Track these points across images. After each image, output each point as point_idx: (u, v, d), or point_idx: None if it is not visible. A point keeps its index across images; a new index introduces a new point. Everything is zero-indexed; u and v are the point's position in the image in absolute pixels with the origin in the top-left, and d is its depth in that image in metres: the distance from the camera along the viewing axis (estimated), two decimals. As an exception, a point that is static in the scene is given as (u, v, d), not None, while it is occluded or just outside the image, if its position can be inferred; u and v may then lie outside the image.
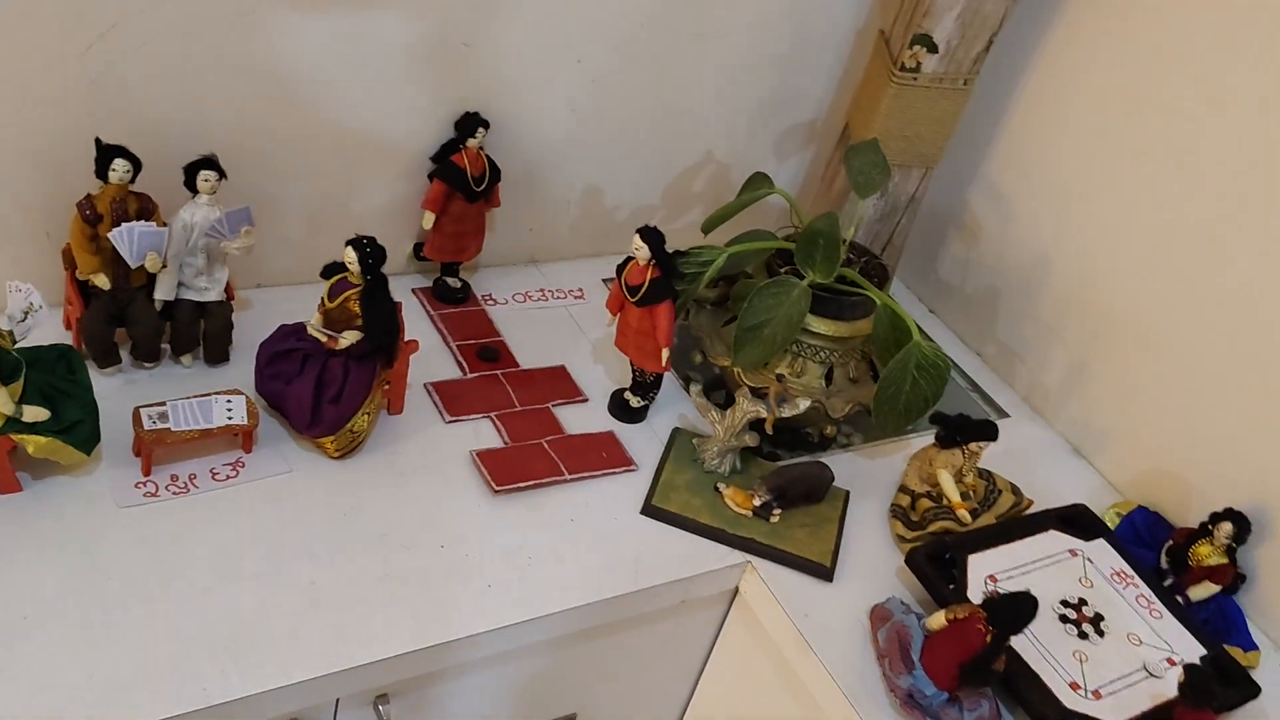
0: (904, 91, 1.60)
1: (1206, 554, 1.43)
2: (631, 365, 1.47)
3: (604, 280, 1.76)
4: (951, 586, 1.33)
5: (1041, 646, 1.31)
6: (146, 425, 1.21)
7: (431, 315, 1.57)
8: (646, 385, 1.48)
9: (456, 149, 1.50)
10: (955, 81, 1.61)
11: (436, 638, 1.16)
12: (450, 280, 1.61)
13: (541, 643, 1.28)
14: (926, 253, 1.90)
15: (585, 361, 1.58)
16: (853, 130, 1.71)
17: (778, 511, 1.38)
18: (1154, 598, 1.42)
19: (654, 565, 1.31)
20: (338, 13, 1.35)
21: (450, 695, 1.29)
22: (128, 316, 1.30)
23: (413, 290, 1.60)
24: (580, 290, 1.72)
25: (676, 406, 1.54)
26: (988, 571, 1.37)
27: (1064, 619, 1.35)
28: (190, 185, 1.28)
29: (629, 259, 1.39)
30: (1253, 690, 1.33)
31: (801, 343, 1.45)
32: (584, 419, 1.48)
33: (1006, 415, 1.75)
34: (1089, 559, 1.44)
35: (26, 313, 1.13)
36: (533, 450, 1.40)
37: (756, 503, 1.38)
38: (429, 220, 1.52)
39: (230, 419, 1.25)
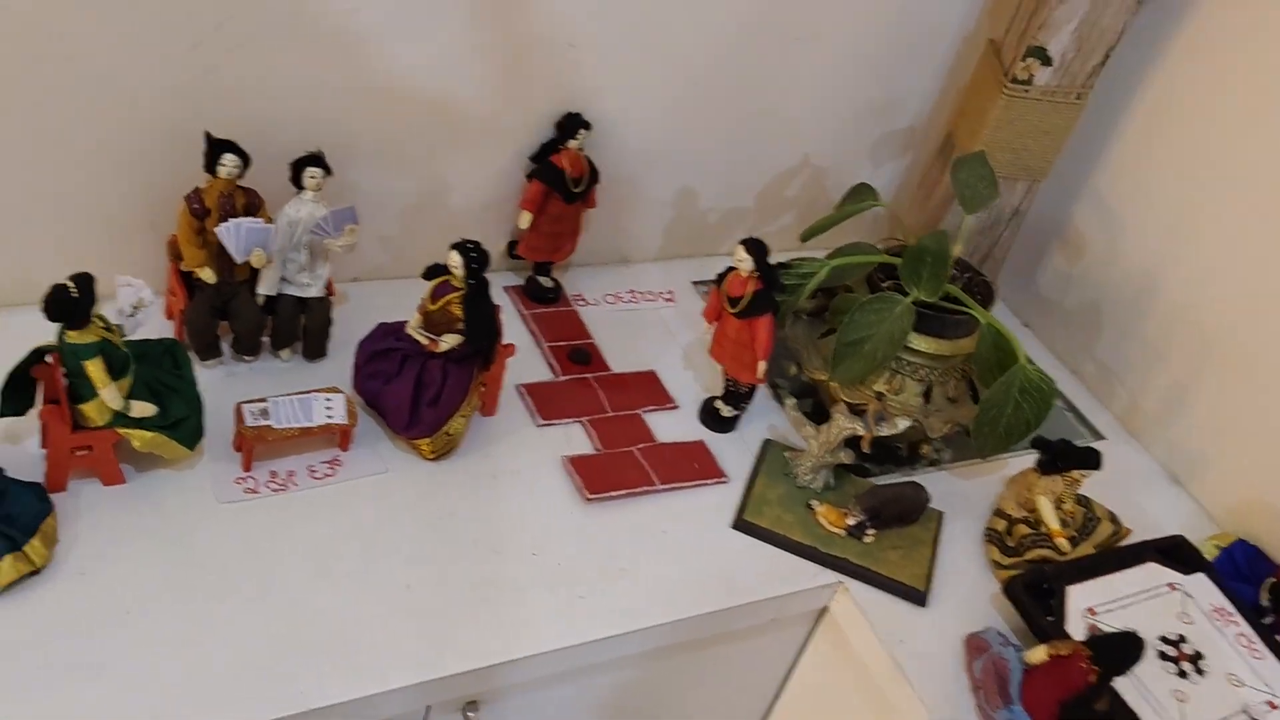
0: (1014, 103, 1.56)
1: (1311, 594, 1.39)
2: (724, 374, 1.45)
3: (694, 283, 1.74)
4: (1050, 618, 1.30)
5: (1140, 685, 1.27)
6: (248, 422, 1.22)
7: (523, 315, 1.56)
8: (739, 395, 1.46)
9: (556, 149, 1.48)
10: (1068, 95, 1.56)
11: (529, 649, 1.15)
12: (543, 279, 1.60)
13: (630, 655, 1.27)
14: (1025, 265, 1.85)
15: (675, 367, 1.56)
16: (956, 139, 1.67)
17: (871, 532, 1.36)
18: (1255, 637, 1.38)
19: (746, 582, 1.30)
20: (445, 12, 1.33)
21: (537, 703, 1.28)
22: (231, 310, 1.31)
23: (505, 288, 1.59)
24: (670, 292, 1.70)
25: (766, 417, 1.52)
26: (1087, 604, 1.33)
27: (1163, 656, 1.31)
28: (296, 181, 1.28)
29: (730, 268, 1.36)
30: (1359, 740, 1.29)
31: (901, 360, 1.42)
32: (674, 427, 1.47)
33: (1102, 437, 1.70)
34: (1188, 594, 1.40)
35: (136, 307, 1.14)
36: (624, 458, 1.38)
37: (850, 522, 1.36)
38: (526, 220, 1.51)
39: (330, 418, 1.25)
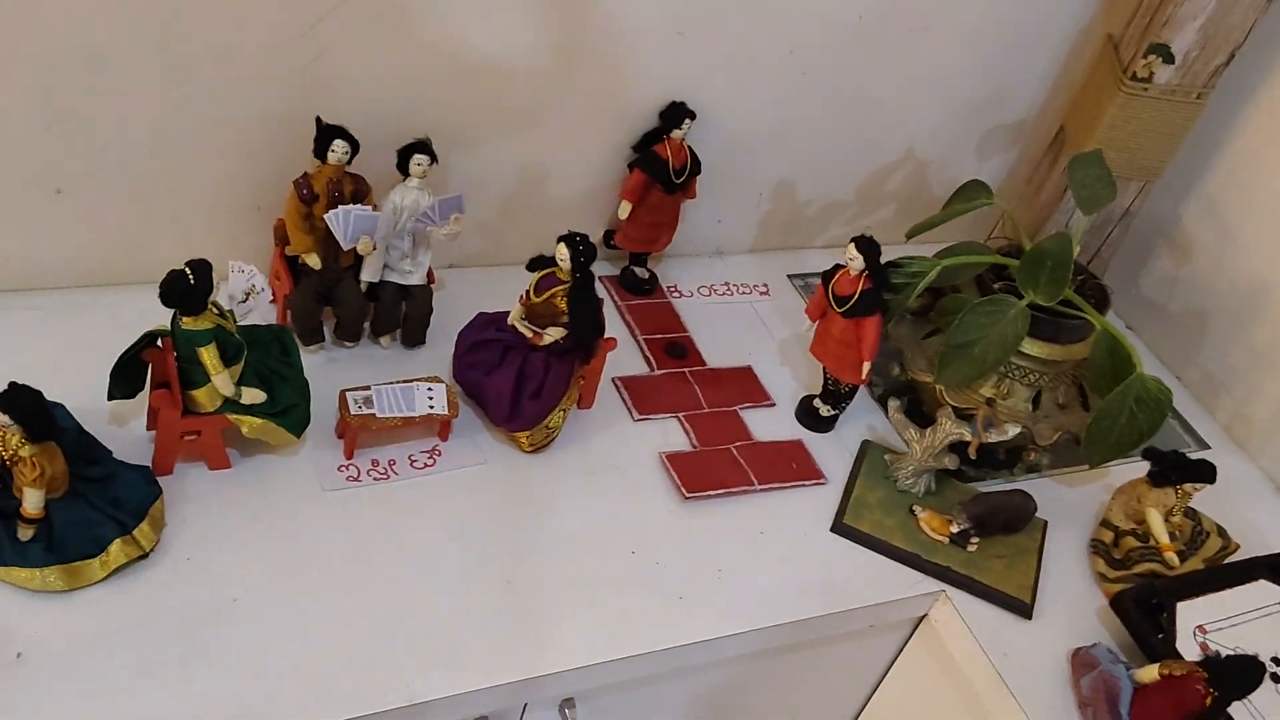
0: (1132, 102, 1.50)
1: None
2: (825, 372, 1.42)
3: (790, 276, 1.71)
4: (1160, 635, 1.26)
5: (1252, 707, 1.23)
6: (352, 410, 1.21)
7: (619, 306, 1.55)
8: (839, 395, 1.43)
9: (659, 139, 1.46)
10: (1189, 94, 1.50)
11: (628, 649, 1.14)
12: (639, 270, 1.58)
13: (725, 657, 1.26)
14: (1129, 267, 1.80)
15: (771, 363, 1.54)
16: (1069, 136, 1.62)
17: (975, 540, 1.33)
18: (1370, 661, 1.33)
19: (846, 587, 1.27)
20: (556, -4, 1.32)
21: (632, 702, 1.27)
22: (335, 296, 1.30)
23: (600, 278, 1.58)
24: (765, 286, 1.67)
25: (865, 418, 1.49)
26: (1197, 622, 1.29)
27: (1275, 678, 1.27)
28: (403, 168, 1.27)
29: (837, 266, 1.33)
30: None
31: (1010, 364, 1.38)
32: (771, 425, 1.44)
33: (1206, 446, 1.65)
34: (1301, 614, 1.36)
35: (248, 294, 1.14)
36: (722, 456, 1.36)
37: (954, 529, 1.33)
38: (625, 210, 1.49)
39: (432, 408, 1.25)
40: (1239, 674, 1.11)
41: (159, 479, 1.12)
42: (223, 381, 1.10)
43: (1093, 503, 1.47)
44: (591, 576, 1.19)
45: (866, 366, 1.34)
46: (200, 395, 1.11)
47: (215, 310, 1.09)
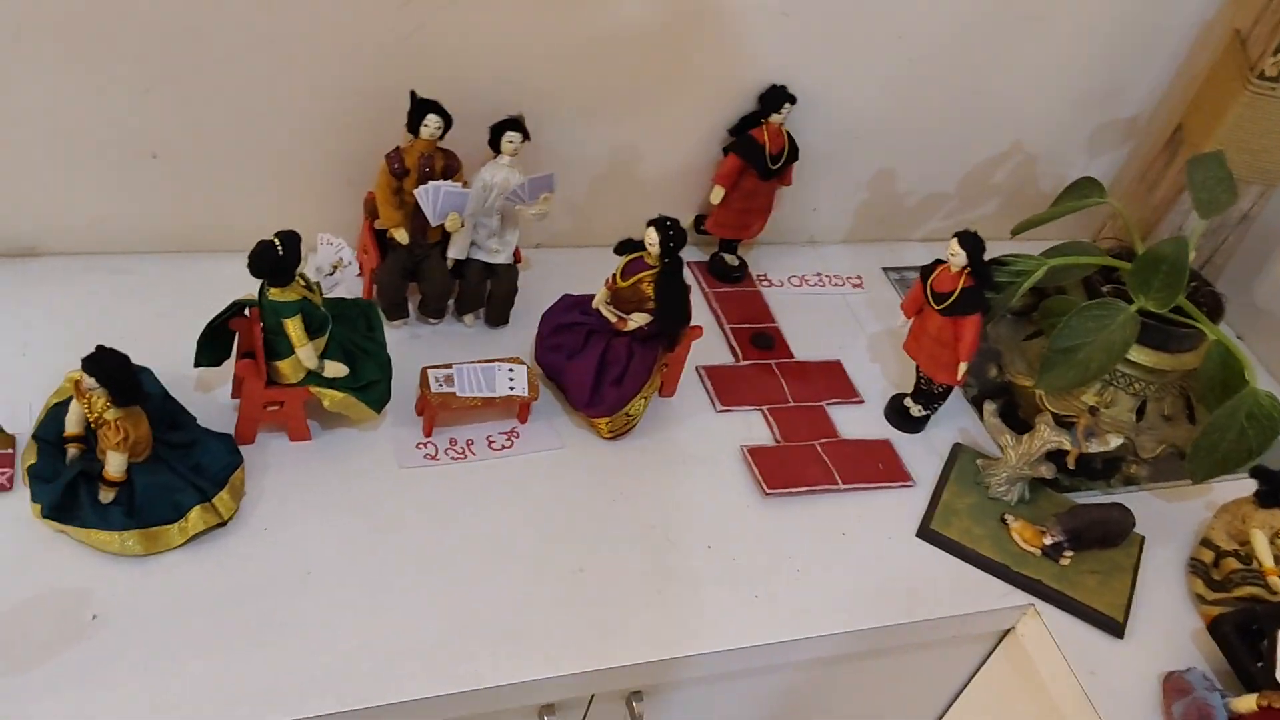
0: (1258, 101, 1.42)
1: None
2: (918, 371, 1.37)
3: (884, 269, 1.66)
4: (1259, 664, 1.20)
5: (1359, 747, 1.16)
6: (433, 388, 1.20)
7: (706, 293, 1.51)
8: (932, 395, 1.38)
9: (757, 123, 1.42)
10: (1323, 94, 1.42)
11: (701, 646, 1.11)
12: (728, 257, 1.54)
13: (801, 660, 1.22)
14: (1245, 274, 1.71)
15: (861, 358, 1.49)
16: (1187, 135, 1.54)
17: (1069, 553, 1.27)
18: None
19: (929, 595, 1.23)
20: (656, -27, 1.29)
21: (702, 699, 1.24)
22: (421, 272, 1.29)
23: (688, 264, 1.54)
24: (859, 278, 1.63)
25: (957, 420, 1.44)
26: (1302, 653, 1.22)
27: (1385, 717, 1.20)
28: (494, 145, 1.25)
29: (938, 261, 1.28)
30: None
31: (1116, 371, 1.32)
32: (858, 422, 1.40)
33: (1319, 467, 1.57)
34: None
35: (335, 267, 1.13)
36: (806, 452, 1.32)
37: (1047, 541, 1.27)
38: (718, 195, 1.45)
39: (512, 390, 1.23)
40: (1348, 713, 1.05)
41: (240, 448, 1.12)
42: (306, 354, 1.10)
43: (1193, 520, 1.40)
44: (666, 569, 1.17)
45: (963, 367, 1.29)
46: (284, 366, 1.11)
47: (302, 282, 1.09)
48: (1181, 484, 1.45)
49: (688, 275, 1.49)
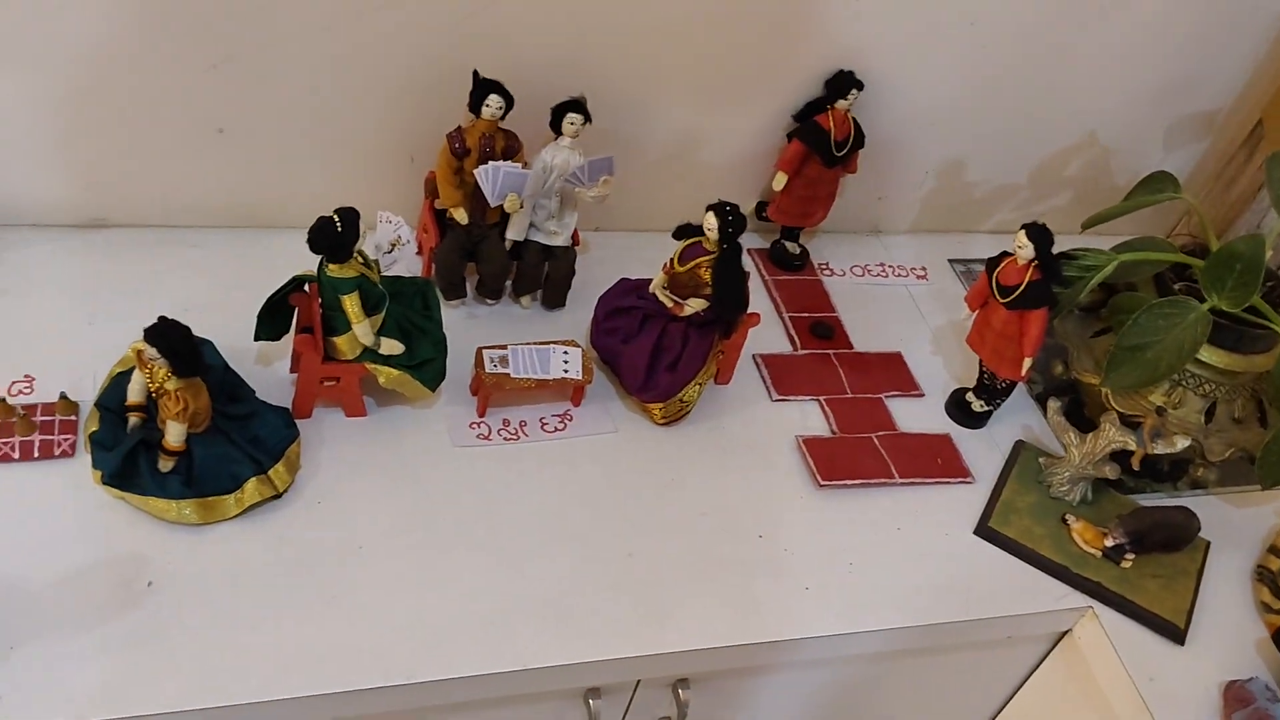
0: (1347, 93, 1.37)
1: None
2: (981, 366, 1.34)
3: (951, 261, 1.62)
4: (1329, 678, 1.16)
5: None
6: (488, 368, 1.20)
7: (766, 281, 1.50)
8: (994, 390, 1.35)
9: (823, 109, 1.40)
10: None
11: (749, 636, 1.10)
12: (789, 245, 1.52)
13: (850, 655, 1.21)
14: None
15: (923, 351, 1.47)
16: (1267, 130, 1.49)
17: (1130, 556, 1.24)
18: None
19: (986, 594, 1.20)
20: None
21: (749, 689, 1.24)
22: (479, 253, 1.29)
23: (748, 251, 1.53)
24: (923, 269, 1.60)
25: (1020, 416, 1.41)
26: (1374, 668, 1.18)
27: None
28: (555, 126, 1.25)
29: (1004, 253, 1.25)
30: None
31: (1186, 371, 1.28)
32: (918, 416, 1.37)
33: (1400, 476, 1.51)
34: None
35: (394, 245, 1.14)
36: (862, 445, 1.30)
37: (1108, 543, 1.24)
38: (780, 182, 1.43)
39: (566, 372, 1.23)
40: None
41: (297, 422, 1.13)
42: (363, 330, 1.10)
43: (1261, 527, 1.36)
44: (716, 557, 1.16)
45: (1027, 363, 1.26)
46: (341, 342, 1.12)
47: (360, 259, 1.09)
48: (1250, 489, 1.41)
49: (747, 262, 1.48)
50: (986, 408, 1.37)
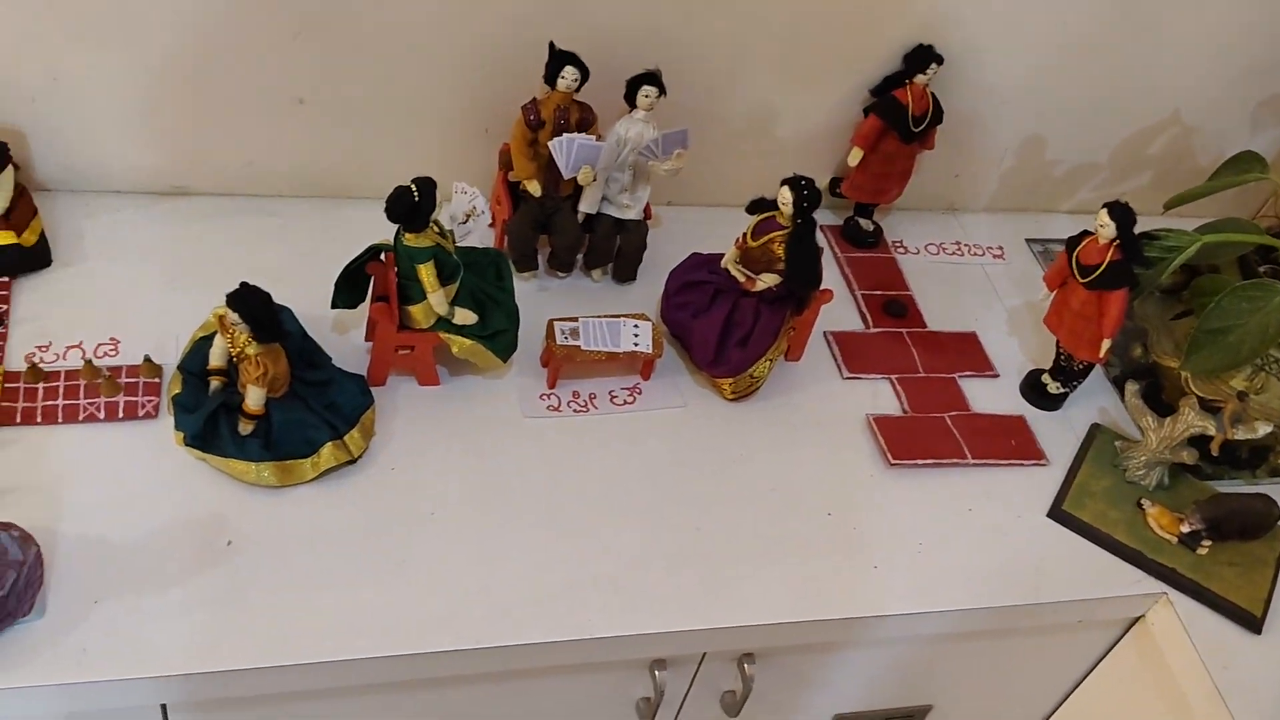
0: None
1: None
2: (1058, 347, 1.32)
3: (1028, 240, 1.60)
4: None
5: None
6: (559, 340, 1.21)
7: (838, 258, 1.48)
8: (1071, 372, 1.32)
9: (901, 84, 1.38)
10: None
11: (815, 613, 1.10)
12: (863, 222, 1.51)
13: (916, 635, 1.20)
14: None
15: (999, 331, 1.44)
16: (1365, 107, 1.44)
17: (1207, 543, 1.21)
18: None
19: (1057, 578, 1.19)
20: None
21: (814, 666, 1.23)
22: (552, 225, 1.30)
23: (821, 227, 1.51)
24: (1000, 248, 1.57)
25: (1096, 399, 1.38)
26: None
27: None
28: (630, 99, 1.25)
29: (1085, 233, 1.23)
30: None
31: (1269, 356, 1.25)
32: (992, 397, 1.36)
33: None
34: None
35: (469, 215, 1.14)
36: (934, 424, 1.29)
37: (1185, 529, 1.22)
38: (856, 157, 1.42)
39: (636, 346, 1.23)
40: None
41: (372, 389, 1.15)
42: (438, 300, 1.12)
43: (1348, 518, 1.33)
44: (784, 534, 1.16)
45: (1106, 344, 1.23)
46: (416, 311, 1.13)
47: (436, 229, 1.10)
48: (1334, 477, 1.37)
49: (820, 238, 1.47)
50: (1062, 390, 1.34)
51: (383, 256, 1.15)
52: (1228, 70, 1.52)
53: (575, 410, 1.22)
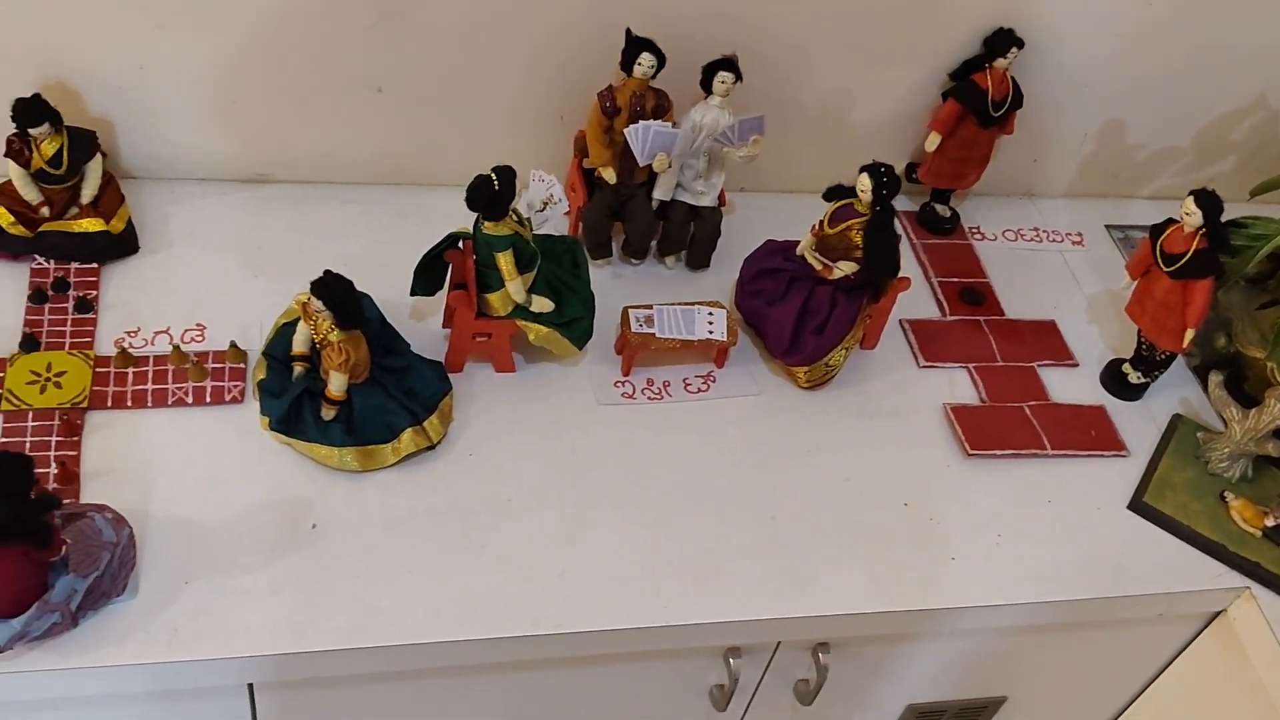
0: None
1: None
2: (1140, 336, 1.29)
3: (1107, 227, 1.57)
4: None
5: None
6: (633, 328, 1.21)
7: (914, 244, 1.47)
8: (1153, 362, 1.30)
9: (980, 68, 1.36)
10: None
11: (892, 604, 1.10)
12: (939, 208, 1.49)
13: (996, 627, 1.19)
14: None
15: (1078, 319, 1.42)
16: None
17: (1295, 538, 1.19)
18: None
19: (1137, 571, 1.17)
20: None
21: (889, 654, 1.23)
22: (626, 212, 1.30)
23: (896, 213, 1.49)
24: (1079, 235, 1.54)
25: (1178, 389, 1.36)
26: None
27: None
28: (706, 85, 1.24)
29: (1170, 220, 1.20)
30: None
31: (1361, 347, 1.22)
32: (1071, 386, 1.34)
33: None
34: None
35: (546, 203, 1.15)
36: (1013, 414, 1.28)
37: (1269, 523, 1.19)
38: (933, 142, 1.40)
39: (711, 334, 1.23)
40: None
41: (449, 375, 1.16)
42: (516, 288, 1.12)
43: None
44: (860, 523, 1.15)
45: (1190, 334, 1.21)
46: (494, 299, 1.14)
47: (515, 217, 1.11)
48: None
49: (897, 225, 1.46)
50: (1144, 379, 1.32)
51: (460, 244, 1.16)
52: (1317, 52, 1.48)
53: (649, 398, 1.22)
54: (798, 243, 1.26)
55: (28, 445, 1.04)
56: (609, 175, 1.27)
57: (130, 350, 1.13)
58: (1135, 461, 1.27)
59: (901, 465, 1.21)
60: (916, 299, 1.39)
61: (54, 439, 1.05)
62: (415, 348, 1.16)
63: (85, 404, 1.08)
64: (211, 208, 1.30)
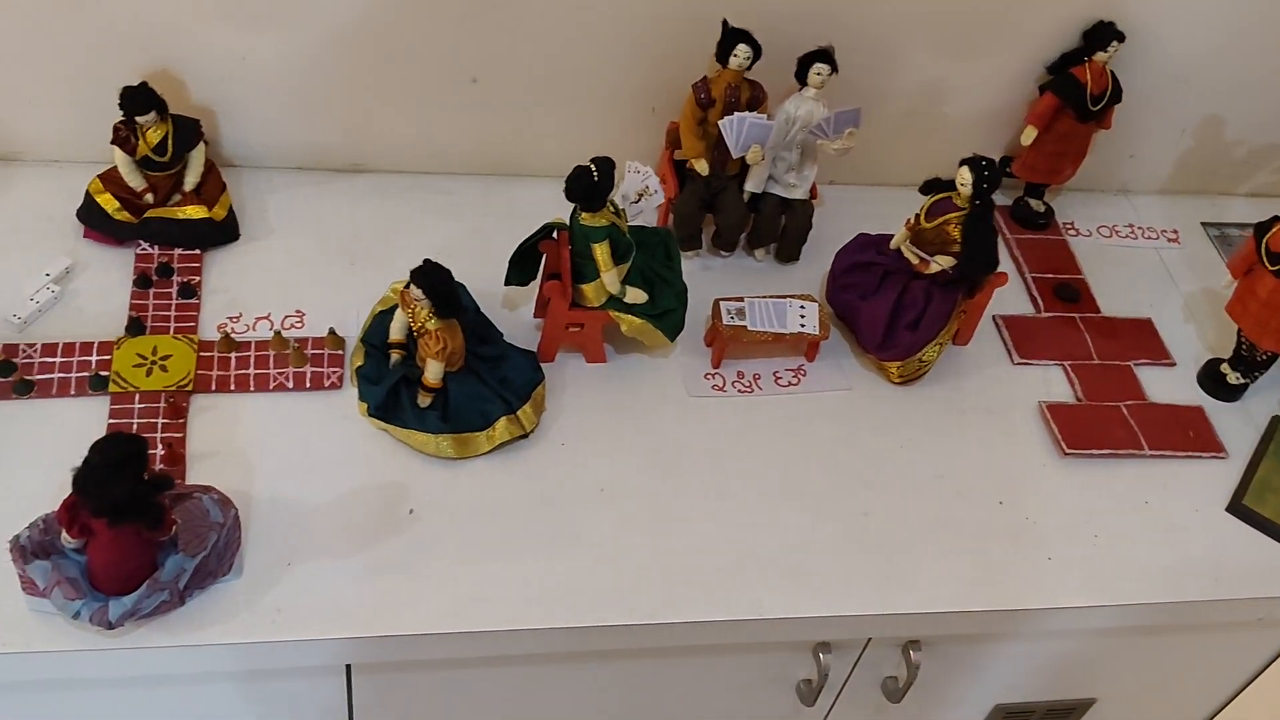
0: None
1: None
2: (1240, 336, 1.26)
3: (1204, 224, 1.53)
4: None
5: None
6: (725, 320, 1.21)
7: (1008, 239, 1.45)
8: (1253, 363, 1.27)
9: (1080, 61, 1.33)
10: None
11: (987, 603, 1.08)
12: (1033, 203, 1.47)
13: (1091, 628, 1.17)
14: None
15: (1174, 318, 1.39)
16: None
17: (1405, 546, 1.16)
18: None
19: (1236, 574, 1.14)
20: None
21: (979, 653, 1.21)
22: (717, 204, 1.30)
23: (989, 208, 1.48)
24: (1175, 232, 1.51)
25: (1278, 390, 1.32)
26: None
27: None
28: (800, 77, 1.23)
29: (1274, 219, 1.17)
30: None
31: None
32: (1168, 386, 1.31)
33: None
34: None
35: (641, 195, 1.15)
36: (1109, 413, 1.25)
37: (1379, 530, 1.16)
38: (1029, 136, 1.38)
39: (803, 327, 1.22)
40: None
41: (542, 365, 1.17)
42: (611, 279, 1.13)
43: None
44: (954, 521, 1.14)
45: (1295, 335, 1.18)
46: (588, 290, 1.14)
47: (612, 209, 1.11)
48: None
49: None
50: (1243, 380, 1.29)
51: (555, 235, 1.16)
52: None
53: (740, 390, 1.22)
54: (890, 236, 1.25)
55: (135, 426, 1.07)
56: (702, 167, 1.26)
57: (233, 335, 1.15)
58: (1234, 463, 1.24)
59: (995, 463, 1.20)
60: (1010, 295, 1.37)
61: (160, 421, 1.07)
62: (507, 337, 1.17)
63: (190, 387, 1.10)
64: (309, 196, 1.32)
